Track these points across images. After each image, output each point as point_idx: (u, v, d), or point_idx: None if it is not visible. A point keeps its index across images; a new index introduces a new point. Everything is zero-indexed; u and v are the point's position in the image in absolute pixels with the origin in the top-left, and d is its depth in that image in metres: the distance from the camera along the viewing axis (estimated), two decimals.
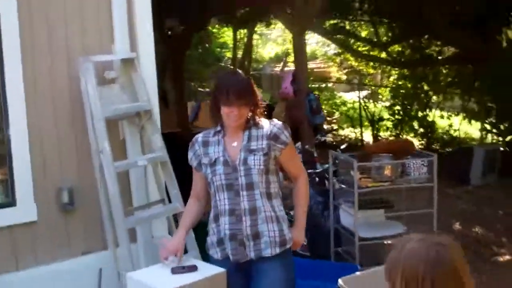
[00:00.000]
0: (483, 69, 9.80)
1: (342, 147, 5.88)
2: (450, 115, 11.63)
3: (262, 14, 12.89)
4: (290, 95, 6.11)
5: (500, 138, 9.83)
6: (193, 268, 3.05)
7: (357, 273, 4.09)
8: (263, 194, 3.03)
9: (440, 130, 11.94)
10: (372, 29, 12.88)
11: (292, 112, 6.22)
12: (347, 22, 12.89)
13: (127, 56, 3.91)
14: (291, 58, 16.28)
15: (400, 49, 11.39)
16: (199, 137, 3.13)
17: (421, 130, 11.82)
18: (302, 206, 3.24)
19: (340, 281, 3.86)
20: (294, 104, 6.21)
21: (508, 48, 9.23)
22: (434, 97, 12.03)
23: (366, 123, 12.29)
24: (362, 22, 13.26)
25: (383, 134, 12.33)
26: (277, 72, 16.96)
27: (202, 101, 12.62)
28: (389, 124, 12.19)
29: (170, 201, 3.96)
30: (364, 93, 13.19)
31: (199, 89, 16.38)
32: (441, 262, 1.68)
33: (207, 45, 16.98)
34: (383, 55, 11.73)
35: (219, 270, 3.02)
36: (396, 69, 12.47)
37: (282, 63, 17.77)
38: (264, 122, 3.10)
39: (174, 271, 3.02)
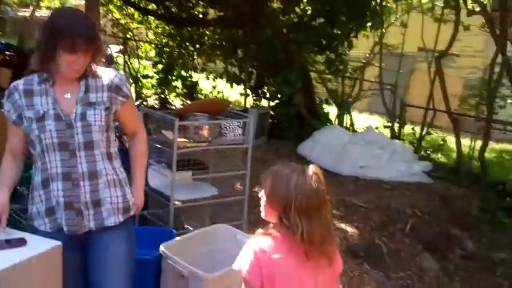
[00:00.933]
0: (248, 35, 10.14)
1: (136, 103, 5.48)
2: (215, 77, 11.80)
3: None
4: None
5: (265, 103, 10.29)
6: (21, 242, 2.51)
7: (178, 238, 3.87)
8: (104, 155, 2.65)
9: (204, 92, 12.08)
10: None
11: None
12: None
13: None
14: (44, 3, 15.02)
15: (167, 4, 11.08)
16: (19, 84, 2.58)
17: (185, 90, 11.81)
18: (141, 164, 2.93)
19: (162, 247, 3.61)
20: None
21: (272, 15, 9.59)
22: (199, 60, 12.08)
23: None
24: None
25: (145, 91, 12.05)
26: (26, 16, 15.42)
27: None
28: (154, 82, 11.93)
29: None
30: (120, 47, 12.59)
31: None
32: (321, 190, 2.16)
33: None
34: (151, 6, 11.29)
35: (54, 243, 2.55)
36: (161, 26, 12.18)
37: (32, 8, 16.16)
38: (102, 71, 2.68)
39: None
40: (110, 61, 5.61)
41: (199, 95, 11.93)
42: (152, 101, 11.79)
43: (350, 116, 10.71)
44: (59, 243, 2.54)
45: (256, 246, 2.17)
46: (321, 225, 2.14)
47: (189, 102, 11.55)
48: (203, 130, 4.17)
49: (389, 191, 7.09)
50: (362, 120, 12.83)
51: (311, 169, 2.20)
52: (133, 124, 2.91)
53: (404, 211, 6.59)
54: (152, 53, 12.48)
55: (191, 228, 4.72)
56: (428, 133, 9.56)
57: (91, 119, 2.59)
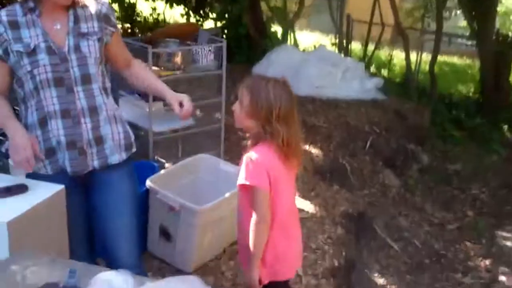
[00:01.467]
0: None
1: None
2: None
3: None
4: None
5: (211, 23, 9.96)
6: (22, 189, 2.35)
7: (162, 171, 3.78)
8: (102, 89, 2.49)
9: (143, 14, 11.55)
10: None
11: None
12: None
13: None
14: None
15: None
16: (2, 15, 2.32)
17: (123, 13, 11.25)
18: (158, 80, 2.79)
19: (149, 182, 3.52)
20: None
21: None
22: None
23: None
24: None
25: None
26: None
27: None
28: None
29: None
30: None
31: None
32: (294, 96, 2.33)
33: None
34: None
35: (57, 187, 2.40)
36: None
37: None
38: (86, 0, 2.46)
39: None
40: None
41: (138, 18, 11.40)
42: None
43: (294, 34, 10.56)
44: (61, 186, 2.39)
45: (255, 157, 2.23)
46: (296, 129, 2.29)
47: (126, 26, 11.07)
48: (176, 57, 3.98)
49: (346, 110, 7.10)
50: (304, 38, 12.70)
51: (280, 78, 2.33)
52: (125, 54, 2.73)
53: (363, 129, 6.67)
54: None
55: (163, 161, 4.61)
56: (378, 49, 9.57)
57: (85, 51, 2.41)
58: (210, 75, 4.32)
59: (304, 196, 4.85)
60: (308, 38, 12.79)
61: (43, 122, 2.39)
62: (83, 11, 2.44)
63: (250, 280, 2.36)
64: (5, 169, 4.26)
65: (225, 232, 3.75)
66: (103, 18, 2.49)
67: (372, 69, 9.20)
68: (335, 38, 10.14)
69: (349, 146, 6.33)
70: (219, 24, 9.42)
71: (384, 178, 6.17)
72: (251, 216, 2.28)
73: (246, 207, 2.35)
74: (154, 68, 3.92)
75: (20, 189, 2.32)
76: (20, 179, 2.43)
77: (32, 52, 2.32)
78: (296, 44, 10.34)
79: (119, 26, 10.94)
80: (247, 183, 2.24)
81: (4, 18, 2.32)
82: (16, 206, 2.21)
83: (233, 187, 3.64)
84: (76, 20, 2.41)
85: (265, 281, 2.39)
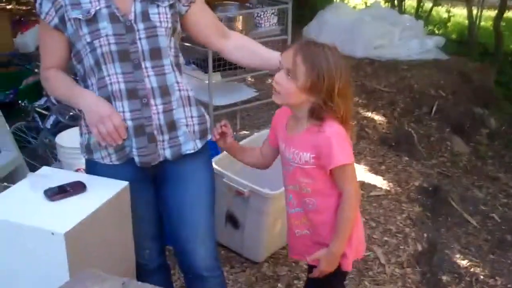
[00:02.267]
0: None
1: None
2: None
3: None
4: None
5: None
6: (79, 187, 1.98)
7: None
8: (174, 65, 2.04)
9: None
10: None
11: None
12: None
13: None
14: None
15: None
16: None
17: None
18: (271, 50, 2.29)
19: (214, 164, 3.14)
20: None
21: None
22: None
23: None
24: None
25: None
26: None
27: None
28: None
29: None
30: None
31: None
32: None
33: None
34: None
35: (120, 184, 2.01)
36: None
37: None
38: None
39: (51, 195, 1.91)
40: None
41: None
42: None
43: None
44: (125, 183, 2.01)
45: (343, 133, 1.96)
46: (352, 102, 2.05)
47: None
48: (237, 22, 3.54)
49: (408, 71, 6.61)
50: None
51: (332, 44, 1.97)
52: (217, 23, 2.26)
53: (428, 92, 6.19)
54: None
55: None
56: (437, 5, 8.92)
57: (155, 19, 1.97)
58: (274, 40, 3.87)
59: (375, 171, 4.44)
60: None
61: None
62: None
63: (336, 260, 2.06)
64: (53, 147, 3.98)
65: None
66: None
67: (432, 27, 8.56)
68: None
69: (413, 111, 5.87)
70: None
71: (453, 145, 5.70)
72: (335, 197, 2.01)
73: (331, 187, 2.01)
74: None
75: (77, 188, 1.95)
76: (69, 172, 2.06)
77: (92, 19, 1.90)
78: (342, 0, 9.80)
79: None
80: (350, 162, 1.97)
81: None
82: (73, 211, 1.84)
83: None
84: None
85: (351, 260, 2.12)
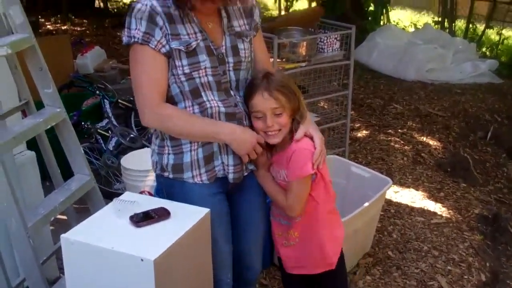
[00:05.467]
0: None
1: None
2: None
3: None
4: None
5: None
6: (164, 214, 2.01)
7: None
8: None
9: None
10: None
11: None
12: None
13: None
14: None
15: None
16: (156, 6, 1.97)
17: None
18: None
19: None
20: None
21: None
22: None
23: None
24: None
25: None
26: None
27: None
28: None
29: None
30: None
31: None
32: None
33: None
34: None
35: (202, 211, 2.06)
36: None
37: None
38: None
39: (137, 221, 1.95)
40: None
41: None
42: None
43: (387, 12, 9.92)
44: (207, 210, 2.05)
45: (307, 148, 2.17)
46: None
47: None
48: (301, 48, 3.56)
49: (461, 95, 6.55)
50: (395, 16, 11.99)
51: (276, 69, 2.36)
52: (266, 60, 2.35)
53: (483, 117, 6.10)
54: None
55: None
56: (489, 27, 8.80)
57: (242, 54, 2.11)
58: (337, 65, 3.88)
59: (434, 197, 4.39)
60: (399, 16, 12.06)
61: None
62: (232, 7, 2.13)
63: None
64: (118, 170, 4.05)
65: (359, 244, 3.36)
66: (249, 11, 2.19)
67: (484, 50, 8.46)
68: (438, 16, 9.41)
69: (469, 136, 5.79)
70: (313, 4, 8.96)
71: (509, 171, 5.59)
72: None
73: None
74: (278, 60, 3.52)
75: (161, 214, 1.98)
76: (157, 200, 2.09)
77: (192, 52, 2.00)
78: (389, 22, 9.73)
79: None
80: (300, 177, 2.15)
81: (160, 9, 1.97)
82: (160, 237, 1.88)
83: (367, 193, 3.27)
84: (229, 18, 2.11)
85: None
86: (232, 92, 2.11)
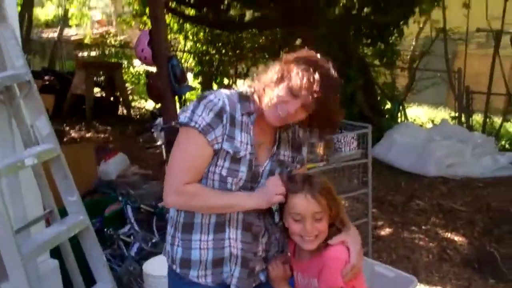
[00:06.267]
0: (295, 33, 9.54)
1: None
2: None
3: None
4: (148, 60, 4.93)
5: None
6: None
7: None
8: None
9: None
10: None
11: (153, 82, 5.08)
12: None
13: None
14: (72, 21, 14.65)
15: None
16: (227, 105, 2.02)
17: None
18: None
19: None
20: (155, 73, 5.07)
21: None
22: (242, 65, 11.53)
23: None
24: None
25: None
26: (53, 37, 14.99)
27: None
28: (198, 93, 11.41)
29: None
30: None
31: None
32: None
33: None
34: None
35: None
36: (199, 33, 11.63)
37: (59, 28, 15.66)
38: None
39: None
40: (181, 79, 5.14)
41: None
42: None
43: (404, 110, 10.08)
44: None
45: (342, 257, 2.07)
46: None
47: None
48: (319, 148, 3.62)
49: (483, 189, 6.52)
50: (411, 113, 12.16)
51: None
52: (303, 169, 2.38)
53: (507, 210, 6.04)
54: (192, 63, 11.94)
55: None
56: (507, 120, 8.87)
57: None
58: (354, 164, 3.93)
59: None
60: (415, 112, 12.21)
61: (220, 228, 2.10)
62: (286, 134, 2.19)
63: None
64: (140, 276, 4.03)
65: None
66: (297, 146, 2.24)
67: (503, 143, 8.49)
68: (455, 111, 9.53)
69: (494, 231, 5.70)
70: None
71: None
72: None
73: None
74: None
75: None
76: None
77: (236, 160, 2.04)
78: (406, 119, 9.86)
79: None
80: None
81: (228, 109, 2.02)
82: None
83: None
84: (279, 144, 2.17)
85: None
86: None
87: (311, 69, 1.91)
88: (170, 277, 2.24)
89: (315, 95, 1.89)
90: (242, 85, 2.17)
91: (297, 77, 1.91)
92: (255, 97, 2.03)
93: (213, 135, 2.00)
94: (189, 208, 2.09)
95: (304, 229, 2.00)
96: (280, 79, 1.96)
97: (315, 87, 1.89)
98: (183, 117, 2.02)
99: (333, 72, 1.98)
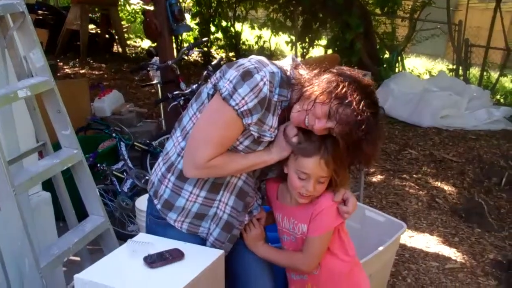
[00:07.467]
0: None
1: (213, 63, 4.88)
2: (260, 27, 11.09)
3: None
4: None
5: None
6: (179, 255, 2.02)
7: None
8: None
9: (248, 43, 11.41)
10: None
11: (150, 20, 4.99)
12: None
13: None
14: None
15: None
16: (265, 88, 1.88)
17: (227, 42, 11.16)
18: None
19: None
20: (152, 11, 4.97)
21: None
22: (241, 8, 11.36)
23: None
24: None
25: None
26: None
27: None
28: (195, 34, 11.28)
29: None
30: None
31: None
32: None
33: None
34: None
35: (216, 253, 2.07)
36: None
37: None
38: None
39: (151, 262, 1.96)
40: (178, 17, 5.07)
41: (243, 46, 11.26)
42: (194, 55, 11.17)
43: (402, 60, 10.01)
44: (221, 251, 2.07)
45: (334, 206, 2.10)
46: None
47: (231, 54, 10.92)
48: None
49: (476, 142, 6.55)
50: (409, 63, 12.11)
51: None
52: None
53: (498, 163, 6.07)
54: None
55: None
56: (503, 75, 8.86)
57: None
58: None
59: (449, 242, 4.35)
60: (413, 63, 12.16)
61: (215, 188, 2.08)
62: None
63: None
64: (132, 211, 4.08)
65: None
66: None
67: (498, 97, 8.49)
68: (452, 64, 9.49)
69: (483, 182, 5.76)
70: (329, 51, 9.07)
71: None
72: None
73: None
74: None
75: (175, 256, 1.99)
76: (171, 242, 2.10)
77: (258, 142, 2.00)
78: (404, 69, 9.82)
79: (223, 54, 10.95)
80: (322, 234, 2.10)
81: (268, 94, 1.89)
82: (174, 278, 1.88)
83: (381, 237, 3.25)
84: None
85: None
86: (255, 180, 2.14)
87: (363, 111, 1.79)
88: (149, 208, 2.21)
89: (354, 136, 1.82)
90: (288, 63, 2.04)
91: (348, 108, 1.79)
92: (296, 89, 1.95)
93: (250, 119, 1.91)
94: (210, 177, 2.06)
95: (305, 188, 2.00)
96: (328, 95, 1.83)
97: (357, 131, 1.81)
98: (224, 91, 1.89)
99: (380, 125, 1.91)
